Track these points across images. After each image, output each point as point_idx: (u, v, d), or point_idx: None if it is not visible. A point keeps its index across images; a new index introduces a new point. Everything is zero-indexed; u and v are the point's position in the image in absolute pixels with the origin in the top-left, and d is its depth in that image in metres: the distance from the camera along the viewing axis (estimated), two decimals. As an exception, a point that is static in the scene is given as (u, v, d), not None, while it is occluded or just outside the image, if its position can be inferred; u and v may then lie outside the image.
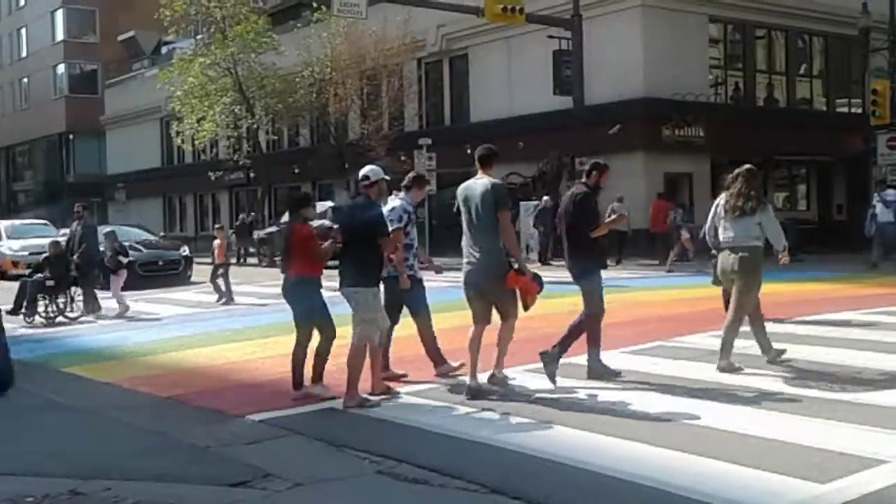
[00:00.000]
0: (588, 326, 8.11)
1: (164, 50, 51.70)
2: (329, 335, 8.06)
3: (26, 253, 27.02)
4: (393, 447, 6.06)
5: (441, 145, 29.14)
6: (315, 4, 31.66)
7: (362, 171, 7.89)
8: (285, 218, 30.12)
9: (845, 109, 32.60)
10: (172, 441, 6.59)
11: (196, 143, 38.23)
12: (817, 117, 30.91)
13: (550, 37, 27.27)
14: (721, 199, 8.65)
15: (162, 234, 32.76)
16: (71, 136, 60.42)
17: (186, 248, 24.08)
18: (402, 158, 30.76)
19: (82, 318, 15.04)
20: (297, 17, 38.14)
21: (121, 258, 16.03)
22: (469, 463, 5.62)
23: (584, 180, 8.41)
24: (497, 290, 7.67)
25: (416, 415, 7.02)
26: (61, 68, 61.21)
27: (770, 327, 10.40)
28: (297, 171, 38.41)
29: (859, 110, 30.56)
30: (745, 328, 8.98)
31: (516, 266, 7.64)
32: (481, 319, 7.88)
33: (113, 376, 9.31)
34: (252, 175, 39.31)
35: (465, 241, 7.82)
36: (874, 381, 7.48)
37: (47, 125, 60.56)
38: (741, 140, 26.76)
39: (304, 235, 8.00)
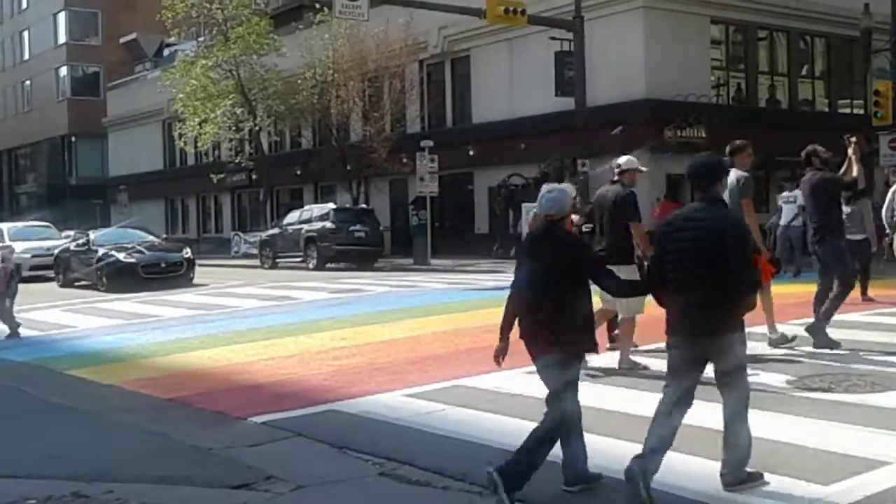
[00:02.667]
0: (843, 298, 9.15)
1: (166, 52, 51.82)
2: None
3: (29, 255, 27.05)
4: (395, 449, 6.05)
5: (443, 147, 29.15)
6: (317, 6, 31.69)
7: (619, 160, 8.85)
8: (287, 219, 30.55)
9: (847, 110, 32.57)
10: (175, 443, 6.59)
11: (199, 145, 38.28)
12: (819, 118, 30.87)
13: (552, 38, 27.26)
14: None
15: (164, 236, 32.76)
16: (73, 139, 60.49)
17: (189, 250, 24.05)
18: (404, 160, 30.82)
19: None
20: (299, 18, 38.17)
21: None
22: (472, 465, 5.61)
23: (812, 168, 9.22)
24: None
25: (419, 416, 7.01)
26: (64, 71, 61.30)
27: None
28: (299, 172, 38.46)
29: (861, 111, 30.53)
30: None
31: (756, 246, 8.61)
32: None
33: (115, 378, 9.31)
34: (254, 177, 39.34)
35: None
36: (877, 382, 7.46)
37: (50, 127, 60.63)
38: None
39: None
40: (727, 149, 9.12)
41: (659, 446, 4.89)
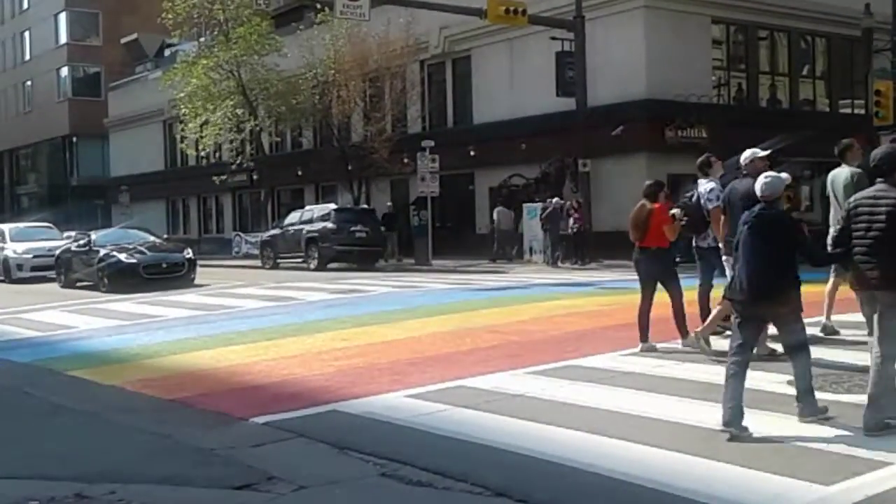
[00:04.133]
0: None
1: (167, 52, 51.84)
2: (678, 295, 9.68)
3: (30, 256, 27.07)
4: (397, 450, 6.06)
5: (444, 147, 29.16)
6: (318, 6, 31.70)
7: (742, 156, 9.30)
8: (288, 220, 30.56)
9: (848, 110, 32.57)
10: (177, 444, 6.60)
11: (200, 148, 38.28)
12: (820, 118, 30.88)
13: (553, 38, 27.29)
14: None
15: (165, 236, 32.76)
16: (74, 139, 60.53)
17: (190, 250, 24.04)
18: (405, 160, 30.83)
19: None
20: (300, 19, 38.20)
21: None
22: (473, 465, 5.62)
23: None
24: None
25: (420, 417, 7.02)
26: (64, 71, 61.34)
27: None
28: (300, 173, 38.48)
29: (862, 111, 30.53)
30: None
31: None
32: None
33: (117, 379, 9.32)
34: (255, 177, 39.35)
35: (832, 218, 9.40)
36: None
37: (51, 128, 60.67)
38: (744, 141, 26.59)
39: (664, 215, 9.68)
40: (836, 149, 9.51)
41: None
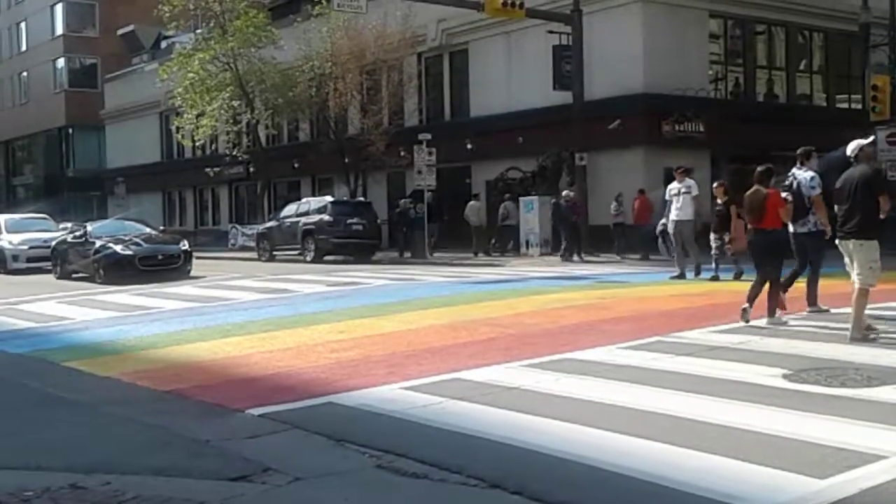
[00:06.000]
0: None
1: (163, 44, 51.77)
2: (775, 277, 10.52)
3: (26, 247, 27.04)
4: (392, 441, 6.06)
5: (441, 140, 29.16)
6: (315, -1, 31.66)
7: (847, 148, 9.68)
8: (284, 212, 30.52)
9: (845, 105, 32.60)
10: (173, 435, 6.60)
11: (196, 139, 38.25)
12: (817, 113, 30.91)
13: (550, 32, 27.27)
14: None
15: (162, 228, 32.73)
16: (70, 131, 60.44)
17: (186, 242, 24.03)
18: (402, 153, 30.81)
19: None
20: (297, 11, 38.16)
21: None
22: (469, 458, 5.63)
23: None
24: None
25: (416, 409, 7.02)
26: (61, 62, 61.20)
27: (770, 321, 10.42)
28: (296, 165, 38.44)
29: (859, 106, 30.55)
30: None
31: None
32: None
33: (113, 370, 9.31)
34: (252, 170, 39.30)
35: None
36: (873, 376, 7.48)
37: (47, 119, 60.55)
38: (741, 135, 26.76)
39: (777, 198, 10.50)
40: None
41: None
